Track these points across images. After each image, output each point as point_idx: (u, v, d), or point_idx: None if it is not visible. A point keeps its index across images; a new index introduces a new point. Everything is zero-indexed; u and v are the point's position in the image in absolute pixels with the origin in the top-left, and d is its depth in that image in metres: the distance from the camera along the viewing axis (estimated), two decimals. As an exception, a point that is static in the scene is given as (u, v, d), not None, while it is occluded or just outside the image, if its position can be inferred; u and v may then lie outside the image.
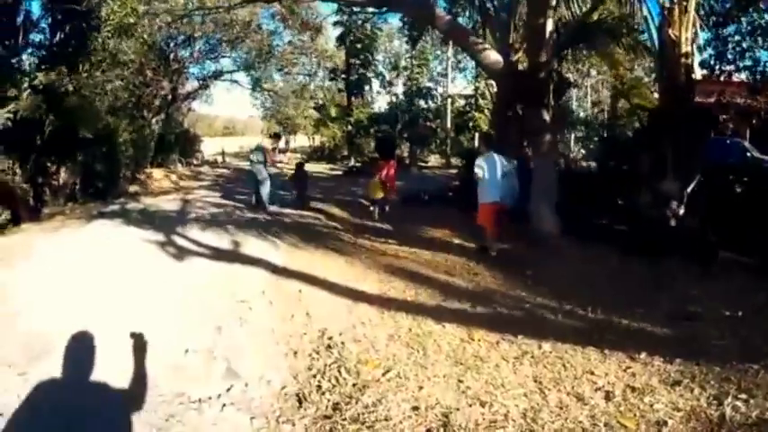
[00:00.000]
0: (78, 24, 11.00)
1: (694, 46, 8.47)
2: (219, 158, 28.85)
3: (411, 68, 25.77)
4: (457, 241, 9.02)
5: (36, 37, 11.89)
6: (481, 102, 25.50)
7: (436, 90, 28.34)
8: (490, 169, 7.66)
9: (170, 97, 21.18)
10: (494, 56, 8.93)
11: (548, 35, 8.49)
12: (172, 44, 20.65)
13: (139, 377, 3.64)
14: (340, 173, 23.62)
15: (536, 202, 9.05)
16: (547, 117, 8.91)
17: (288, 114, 30.18)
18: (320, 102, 29.42)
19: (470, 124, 26.58)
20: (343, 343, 4.47)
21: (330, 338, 4.56)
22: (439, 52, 27.52)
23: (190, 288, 5.72)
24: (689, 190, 8.09)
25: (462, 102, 27.99)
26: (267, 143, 12.20)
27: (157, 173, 17.96)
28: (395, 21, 24.48)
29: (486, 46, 9.12)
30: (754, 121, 15.42)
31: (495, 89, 13.77)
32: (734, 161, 14.05)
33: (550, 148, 9.05)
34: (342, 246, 8.25)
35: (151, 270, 6.36)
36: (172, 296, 5.45)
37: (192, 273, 6.40)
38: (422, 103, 26.82)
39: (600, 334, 4.71)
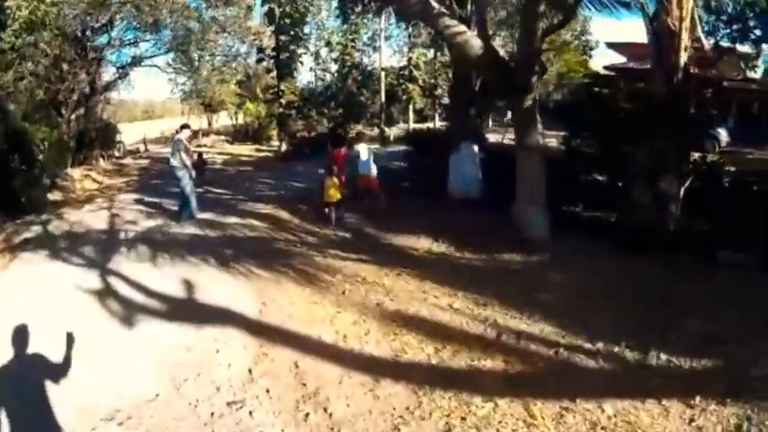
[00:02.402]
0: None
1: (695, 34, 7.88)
2: (142, 147, 26.73)
3: (345, 44, 24.12)
4: (437, 250, 8.10)
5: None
6: (415, 73, 24.47)
7: (364, 60, 26.91)
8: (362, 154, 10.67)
9: (88, 90, 19.06)
10: (473, 41, 7.86)
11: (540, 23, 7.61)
12: (88, 32, 18.41)
13: None
14: (270, 155, 21.98)
15: (522, 202, 8.24)
16: (534, 109, 8.05)
17: (209, 95, 27.84)
18: (242, 78, 27.44)
19: (404, 96, 25.57)
20: (391, 462, 3.39)
21: (371, 455, 3.47)
22: (365, 21, 25.96)
23: (154, 379, 4.42)
24: (685, 187, 7.85)
25: (394, 74, 26.73)
26: (183, 136, 10.46)
27: (79, 173, 16.14)
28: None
29: (463, 29, 8.00)
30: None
31: (452, 69, 12.72)
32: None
33: (537, 142, 8.18)
34: (314, 273, 7.04)
35: (97, 346, 4.92)
36: (133, 402, 4.12)
37: (149, 347, 5.01)
38: (357, 77, 25.33)
39: (647, 379, 4.35)
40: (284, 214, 10.76)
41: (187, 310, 5.88)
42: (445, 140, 12.47)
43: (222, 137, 29.71)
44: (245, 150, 24.51)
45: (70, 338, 4.22)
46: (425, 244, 8.38)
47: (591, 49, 32.32)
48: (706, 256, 6.98)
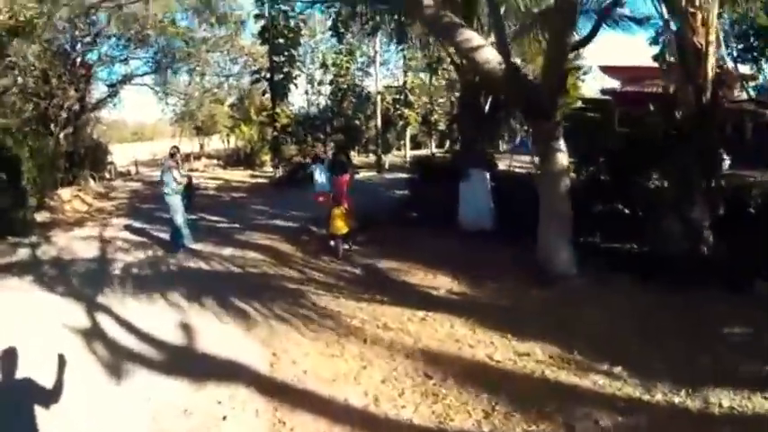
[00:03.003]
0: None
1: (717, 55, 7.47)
2: (133, 169, 26.28)
3: (340, 65, 23.60)
4: (458, 289, 7.36)
5: None
6: (411, 97, 23.99)
7: (361, 85, 26.34)
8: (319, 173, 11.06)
9: (77, 107, 18.64)
10: (490, 55, 7.26)
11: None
12: (78, 46, 18.23)
13: None
14: (264, 181, 21.22)
15: (546, 234, 7.54)
16: (559, 133, 7.41)
17: (201, 118, 27.23)
18: (235, 101, 26.88)
19: (400, 122, 24.98)
20: None
21: None
22: (358, 44, 25.53)
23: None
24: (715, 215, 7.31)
25: (390, 98, 26.12)
26: (172, 162, 9.95)
27: (69, 194, 15.55)
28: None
29: (483, 42, 7.42)
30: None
31: (461, 91, 12.13)
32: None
33: (563, 169, 7.53)
34: (328, 316, 6.26)
35: (80, 404, 4.19)
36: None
37: (141, 409, 4.24)
38: (352, 101, 24.77)
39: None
40: (285, 246, 10.05)
41: (184, 360, 5.13)
42: (453, 167, 11.85)
43: (214, 161, 29.11)
44: (238, 176, 23.81)
45: (62, 361, 4.08)
46: (444, 282, 7.64)
47: (585, 73, 32.29)
48: (740, 287, 6.43)
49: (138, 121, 52.97)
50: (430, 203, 12.08)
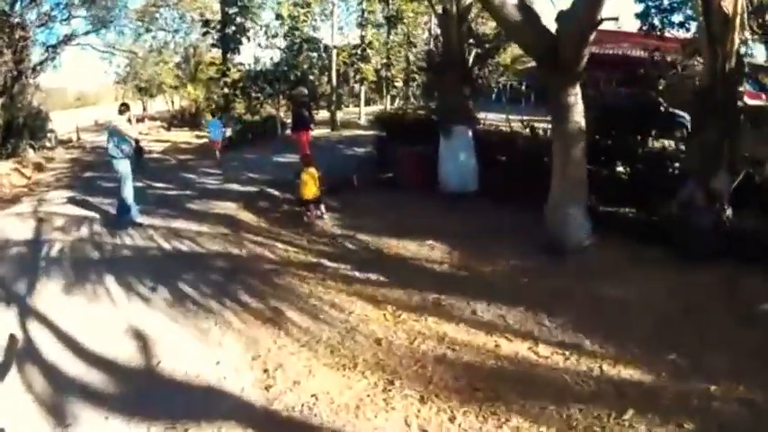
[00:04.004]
0: None
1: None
2: (74, 136, 24.75)
3: (296, 17, 21.67)
4: (459, 262, 6.41)
5: None
6: (369, 52, 22.55)
7: (319, 39, 24.52)
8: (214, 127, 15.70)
9: (14, 73, 17.36)
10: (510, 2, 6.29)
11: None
12: (16, 6, 17.20)
13: None
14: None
15: (561, 202, 6.70)
16: (577, 90, 6.55)
17: (146, 78, 25.08)
18: (181, 60, 24.80)
19: (356, 76, 23.49)
20: None
21: None
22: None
23: None
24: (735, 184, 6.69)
25: (347, 53, 24.47)
26: (121, 120, 8.49)
27: (6, 167, 14.17)
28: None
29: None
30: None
31: (443, 42, 10.88)
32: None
33: (580, 129, 6.62)
34: (320, 309, 5.07)
35: None
36: None
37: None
38: (309, 56, 23.08)
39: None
40: (246, 215, 8.85)
41: (147, 391, 3.79)
42: (428, 124, 10.76)
43: (157, 123, 27.65)
44: (184, 137, 22.46)
45: (12, 340, 4.19)
46: (442, 254, 6.65)
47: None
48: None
49: (80, 90, 51.67)
50: (402, 163, 10.97)
